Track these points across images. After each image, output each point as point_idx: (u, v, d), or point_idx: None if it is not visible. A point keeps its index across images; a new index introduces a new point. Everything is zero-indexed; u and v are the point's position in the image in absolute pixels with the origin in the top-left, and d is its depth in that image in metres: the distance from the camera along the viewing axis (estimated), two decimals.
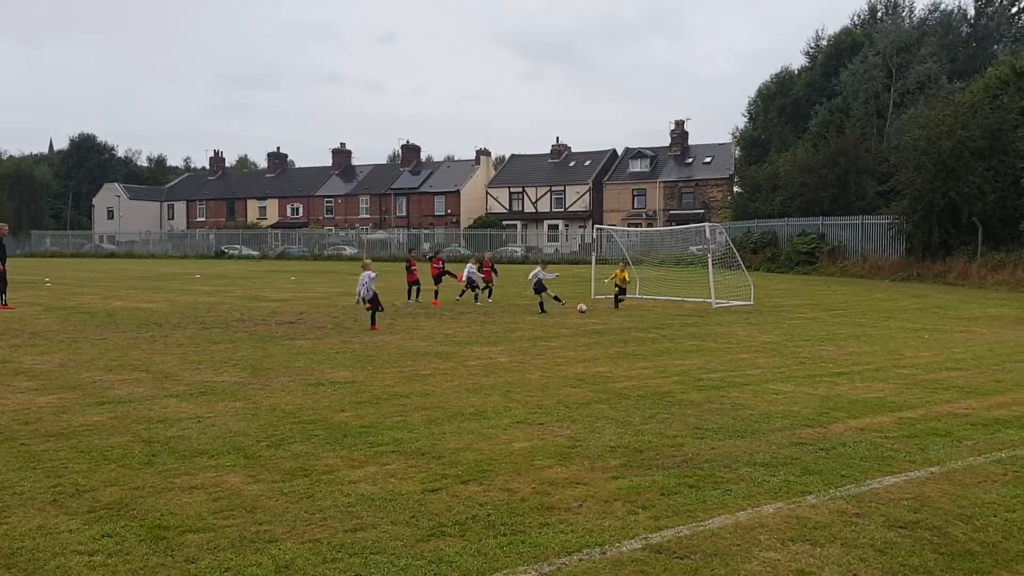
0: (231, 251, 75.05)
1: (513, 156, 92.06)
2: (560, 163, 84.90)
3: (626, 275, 22.53)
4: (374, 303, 16.49)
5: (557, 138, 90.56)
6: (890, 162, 41.56)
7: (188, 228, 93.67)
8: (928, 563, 4.71)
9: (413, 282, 23.05)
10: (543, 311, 19.93)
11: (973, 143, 33.58)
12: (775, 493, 5.94)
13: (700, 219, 61.99)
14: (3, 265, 20.04)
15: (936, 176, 34.11)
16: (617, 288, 22.07)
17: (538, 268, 21.03)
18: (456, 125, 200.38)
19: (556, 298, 21.17)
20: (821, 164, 46.24)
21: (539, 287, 20.34)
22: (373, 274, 16.62)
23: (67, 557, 4.76)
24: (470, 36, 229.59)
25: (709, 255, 23.35)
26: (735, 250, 27.71)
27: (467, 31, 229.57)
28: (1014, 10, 60.57)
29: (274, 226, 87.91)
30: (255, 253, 74.01)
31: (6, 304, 20.11)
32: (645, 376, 11.07)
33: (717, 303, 22.24)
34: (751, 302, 22.91)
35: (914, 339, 15.32)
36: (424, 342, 14.52)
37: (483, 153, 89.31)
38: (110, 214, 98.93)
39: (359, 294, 16.59)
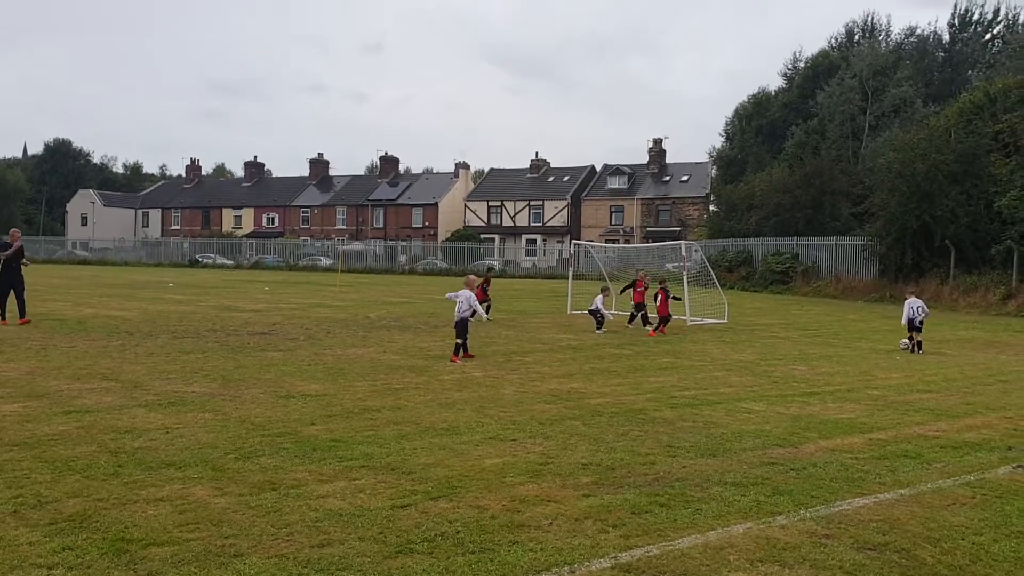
0: (205, 260, 74.48)
1: (492, 170, 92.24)
2: (539, 178, 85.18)
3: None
4: (458, 330, 14.26)
5: (536, 153, 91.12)
6: (865, 184, 42.05)
7: (163, 236, 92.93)
8: None
9: (482, 301, 22.49)
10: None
11: (947, 167, 34.03)
12: (745, 513, 5.94)
13: (676, 237, 62.29)
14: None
15: (910, 199, 34.52)
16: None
17: (599, 295, 20.36)
18: (437, 137, 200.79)
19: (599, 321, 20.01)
20: (796, 185, 46.67)
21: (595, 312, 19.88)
22: (471, 294, 14.53)
23: (26, 570, 4.66)
24: (455, 49, 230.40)
25: (685, 273, 23.45)
26: (710, 268, 27.87)
27: (452, 44, 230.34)
28: (988, 36, 61.62)
29: (249, 235, 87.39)
30: (229, 262, 73.47)
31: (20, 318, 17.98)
32: (619, 393, 11.07)
33: (692, 321, 22.33)
34: (725, 320, 23.03)
35: (886, 360, 15.44)
36: (398, 355, 14.44)
37: (462, 166, 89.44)
38: (84, 220, 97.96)
39: (463, 312, 14.27)
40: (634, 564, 4.93)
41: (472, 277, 15.68)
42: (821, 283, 40.97)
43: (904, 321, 17.20)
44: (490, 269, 26.39)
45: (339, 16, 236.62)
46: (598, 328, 19.66)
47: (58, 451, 7.22)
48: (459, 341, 14.12)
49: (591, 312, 20.21)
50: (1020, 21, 59.90)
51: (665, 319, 19.94)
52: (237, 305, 25.83)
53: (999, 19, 61.64)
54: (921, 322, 17.16)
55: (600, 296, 20.37)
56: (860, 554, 5.19)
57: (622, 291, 22.82)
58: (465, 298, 14.34)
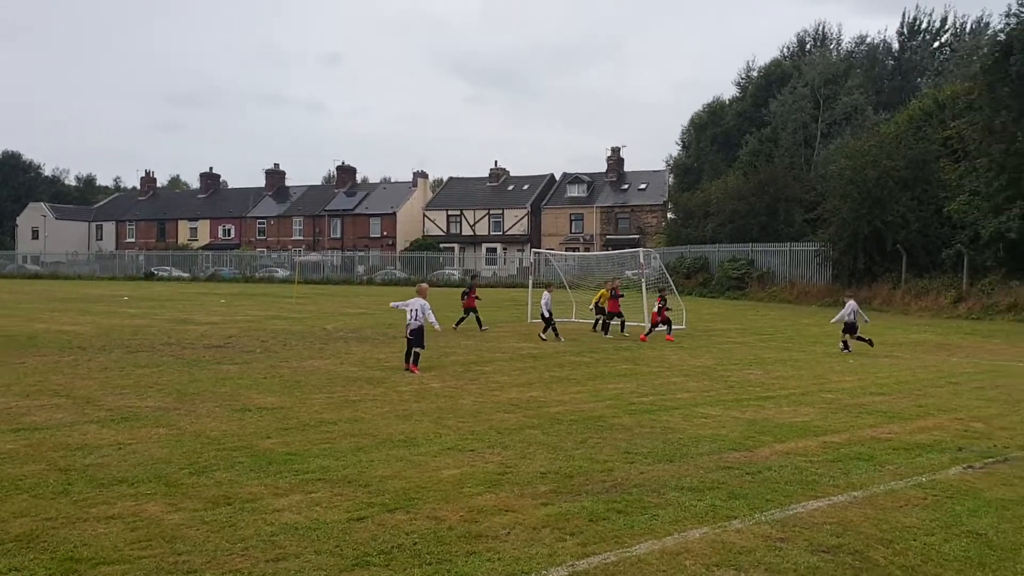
0: (161, 273, 73.42)
1: (451, 179, 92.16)
2: (498, 187, 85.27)
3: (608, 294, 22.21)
4: (416, 339, 14.02)
5: (496, 162, 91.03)
6: (817, 191, 42.72)
7: (117, 249, 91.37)
8: None
9: (470, 308, 22.65)
10: (552, 338, 19.43)
11: (897, 173, 34.72)
12: (701, 518, 5.99)
13: (635, 244, 62.79)
14: None
15: (861, 205, 35.14)
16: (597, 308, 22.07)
17: (545, 293, 20.29)
18: (395, 147, 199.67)
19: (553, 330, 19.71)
20: (751, 192, 47.30)
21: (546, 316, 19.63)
22: (424, 302, 14.26)
23: None
24: (414, 59, 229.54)
25: (643, 280, 23.61)
26: (668, 275, 28.09)
27: (411, 54, 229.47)
28: (936, 44, 62.96)
29: (205, 247, 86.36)
30: (185, 275, 72.50)
31: None
32: (578, 400, 11.10)
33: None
34: (683, 326, 23.21)
35: (839, 364, 15.66)
36: (355, 367, 14.35)
37: (420, 175, 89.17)
38: (35, 234, 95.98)
39: (418, 320, 14.04)
40: (591, 572, 4.94)
41: (424, 285, 15.32)
42: (776, 288, 41.51)
43: (862, 321, 17.83)
44: (474, 276, 26.28)
45: (297, 26, 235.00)
46: (553, 334, 19.54)
47: (5, 470, 7.06)
48: (418, 350, 14.02)
49: (543, 318, 19.91)
50: (967, 29, 61.20)
51: (656, 326, 20.28)
52: (193, 318, 25.50)
53: (947, 27, 63.09)
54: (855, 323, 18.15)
55: (547, 294, 20.11)
56: (814, 556, 5.25)
57: (596, 304, 22.65)
58: (419, 307, 14.14)
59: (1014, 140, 29.71)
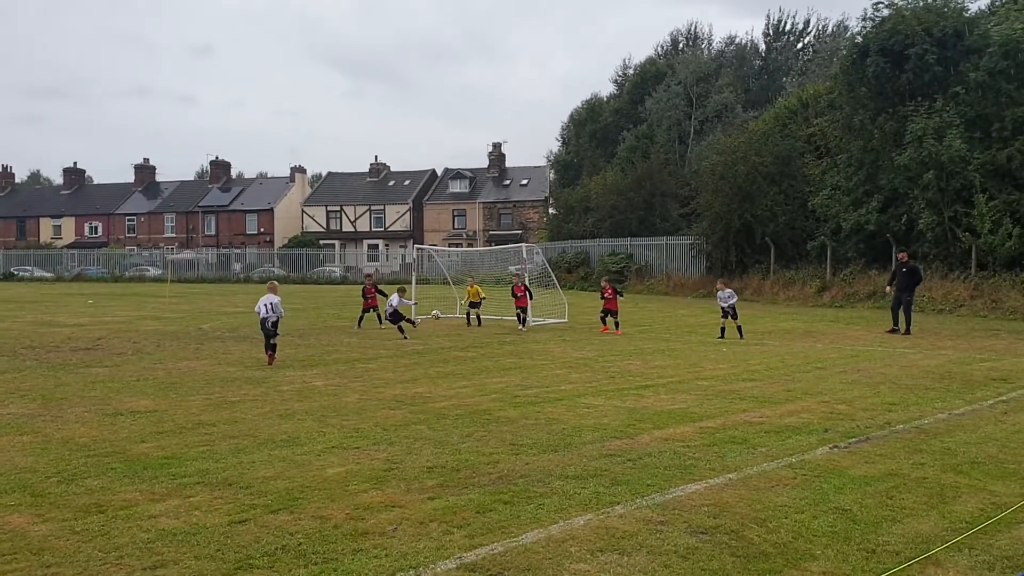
0: (21, 273, 69.51)
1: (330, 174, 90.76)
2: (379, 182, 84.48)
3: (478, 289, 22.85)
4: (274, 330, 14.46)
5: (376, 157, 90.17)
6: (691, 186, 44.12)
7: None
8: (727, 566, 4.97)
9: (372, 308, 22.28)
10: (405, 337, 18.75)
11: (765, 169, 36.22)
12: (585, 505, 6.10)
13: (518, 239, 63.34)
14: None
15: (732, 199, 36.50)
16: (470, 304, 22.45)
17: (395, 295, 19.69)
18: (271, 142, 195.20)
19: (411, 321, 19.52)
20: (629, 187, 48.39)
21: (395, 316, 19.01)
22: (277, 299, 14.79)
23: None
24: (289, 51, 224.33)
25: (526, 275, 23.85)
26: (550, 270, 28.47)
27: (286, 46, 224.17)
28: (799, 46, 65.77)
29: (70, 246, 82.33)
30: (49, 275, 68.90)
31: None
32: (464, 395, 11.13)
33: (534, 321, 22.74)
34: (566, 320, 23.58)
35: (714, 352, 16.22)
36: (234, 367, 13.97)
37: (298, 170, 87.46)
38: None
39: (272, 314, 14.46)
40: (479, 563, 4.97)
41: (275, 283, 15.62)
42: (653, 281, 42.67)
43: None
44: (368, 276, 25.84)
45: (164, 17, 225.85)
46: (387, 327, 19.12)
47: None
48: (273, 342, 14.37)
49: (389, 317, 19.24)
50: (828, 31, 64.14)
51: (612, 312, 20.99)
52: (57, 320, 24.28)
53: (809, 29, 65.92)
54: (732, 307, 19.17)
55: (396, 296, 19.55)
56: (693, 538, 5.43)
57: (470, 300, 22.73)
58: (274, 302, 14.58)
59: (871, 137, 31.41)
